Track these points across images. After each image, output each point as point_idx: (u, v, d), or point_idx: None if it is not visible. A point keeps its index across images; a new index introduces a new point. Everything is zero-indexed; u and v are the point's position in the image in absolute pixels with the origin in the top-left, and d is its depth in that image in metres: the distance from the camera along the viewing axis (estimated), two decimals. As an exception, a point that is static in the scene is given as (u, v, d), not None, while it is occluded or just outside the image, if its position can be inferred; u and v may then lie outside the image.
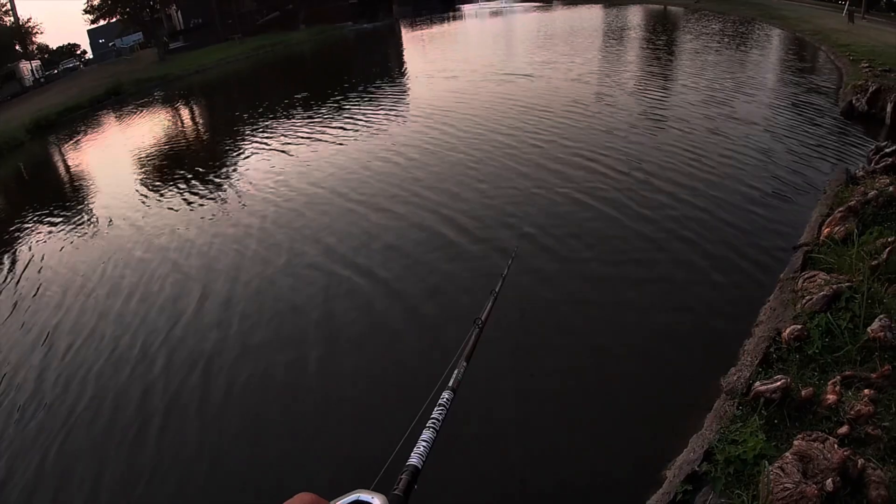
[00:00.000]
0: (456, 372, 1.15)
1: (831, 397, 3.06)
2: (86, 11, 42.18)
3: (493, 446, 3.77)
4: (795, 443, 2.69)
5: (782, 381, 3.17)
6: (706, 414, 3.47)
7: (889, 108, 9.12)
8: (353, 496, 0.66)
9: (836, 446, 2.55)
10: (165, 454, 4.23)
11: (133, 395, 4.95)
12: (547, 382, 4.30)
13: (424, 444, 0.89)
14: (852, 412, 2.92)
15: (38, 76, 40.14)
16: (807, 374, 3.38)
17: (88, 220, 10.36)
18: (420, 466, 0.84)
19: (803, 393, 3.12)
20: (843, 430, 2.87)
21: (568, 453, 3.64)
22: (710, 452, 2.93)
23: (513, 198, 7.63)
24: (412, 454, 0.86)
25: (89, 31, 53.77)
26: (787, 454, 2.63)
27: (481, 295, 1.70)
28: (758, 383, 3.27)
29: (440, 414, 0.98)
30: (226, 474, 3.98)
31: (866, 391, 3.01)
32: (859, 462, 2.53)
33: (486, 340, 1.35)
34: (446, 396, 1.05)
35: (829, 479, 2.45)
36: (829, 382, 3.18)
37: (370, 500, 0.66)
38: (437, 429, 0.94)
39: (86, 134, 21.08)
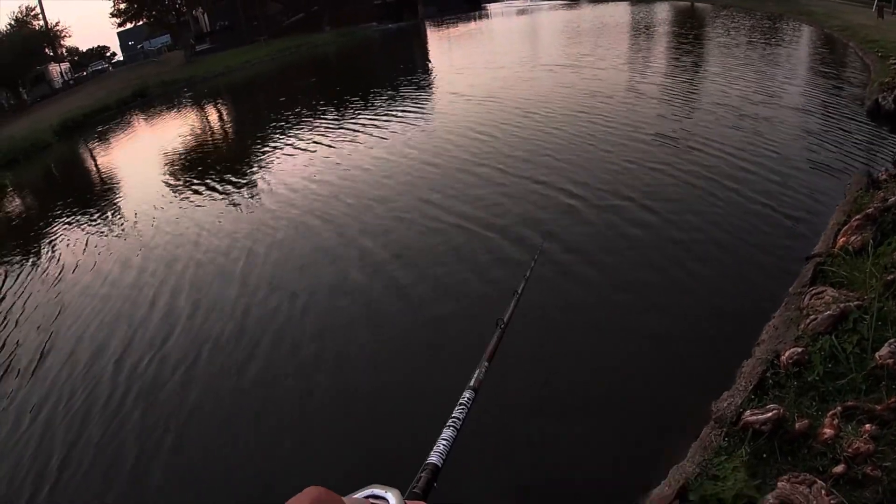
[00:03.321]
0: (478, 371, 1.14)
1: (828, 431, 2.76)
2: (112, 15, 43.21)
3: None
4: (779, 485, 2.41)
5: (774, 411, 2.88)
6: (692, 442, 3.18)
7: (921, 107, 8.55)
8: (367, 491, 0.64)
9: (822, 492, 2.27)
10: (154, 448, 4.15)
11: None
12: (523, 396, 4.06)
13: (445, 442, 0.88)
14: (850, 449, 2.62)
15: (66, 78, 41.28)
16: (804, 403, 3.07)
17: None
18: (440, 465, 0.84)
19: (797, 425, 2.83)
20: (839, 469, 2.57)
21: (533, 478, 3.42)
22: (684, 489, 2.66)
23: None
24: (432, 452, 0.86)
25: (119, 34, 55.25)
26: (769, 497, 2.36)
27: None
28: (748, 412, 2.99)
29: (461, 413, 0.98)
30: (235, 467, 3.93)
31: (867, 426, 2.70)
32: (850, 511, 2.25)
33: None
34: (467, 395, 1.05)
35: (813, 530, 2.18)
36: (828, 414, 2.87)
37: (384, 495, 0.64)
38: (458, 427, 0.93)
39: (117, 134, 21.52)
